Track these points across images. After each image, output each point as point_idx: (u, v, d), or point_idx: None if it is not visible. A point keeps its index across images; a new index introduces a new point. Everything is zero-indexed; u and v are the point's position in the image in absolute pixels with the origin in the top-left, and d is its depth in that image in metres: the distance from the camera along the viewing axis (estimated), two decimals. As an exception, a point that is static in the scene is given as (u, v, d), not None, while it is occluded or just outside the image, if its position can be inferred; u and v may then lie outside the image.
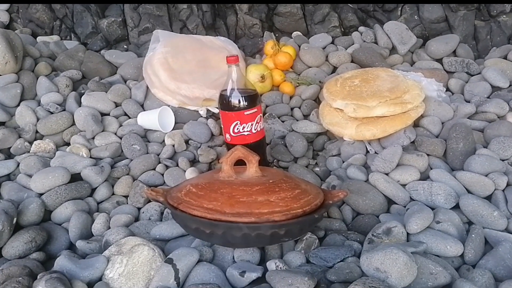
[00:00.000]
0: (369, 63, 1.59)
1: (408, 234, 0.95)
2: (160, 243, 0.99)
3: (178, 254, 0.87)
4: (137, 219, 1.11)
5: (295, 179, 0.96)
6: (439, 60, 1.65)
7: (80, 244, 0.97)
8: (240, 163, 0.94)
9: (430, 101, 1.35)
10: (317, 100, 1.52)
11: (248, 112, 1.14)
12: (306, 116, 1.47)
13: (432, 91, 1.42)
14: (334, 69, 1.65)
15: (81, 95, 1.48)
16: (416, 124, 1.31)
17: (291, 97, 1.52)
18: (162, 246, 0.98)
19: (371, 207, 1.08)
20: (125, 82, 1.59)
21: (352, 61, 1.64)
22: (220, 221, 0.82)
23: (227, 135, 1.18)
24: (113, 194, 1.19)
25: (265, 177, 0.93)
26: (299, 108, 1.49)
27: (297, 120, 1.44)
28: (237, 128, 1.15)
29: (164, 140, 1.35)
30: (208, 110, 1.44)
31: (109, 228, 1.04)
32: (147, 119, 1.37)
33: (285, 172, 1.03)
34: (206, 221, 0.83)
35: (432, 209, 1.00)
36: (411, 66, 1.67)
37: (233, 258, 0.92)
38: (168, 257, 0.87)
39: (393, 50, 1.72)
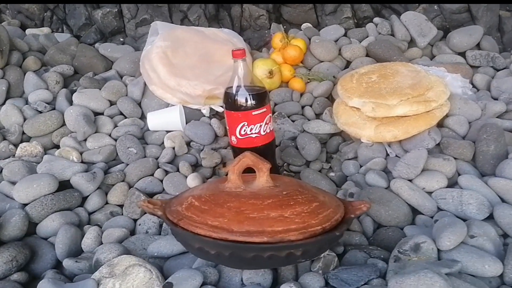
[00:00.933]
0: (386, 57, 1.48)
1: (438, 250, 0.85)
2: (158, 261, 0.89)
3: (179, 278, 0.77)
4: (132, 232, 1.01)
5: (311, 190, 0.86)
6: (462, 54, 1.54)
7: (67, 263, 0.87)
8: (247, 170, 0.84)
9: (455, 98, 1.24)
10: (330, 98, 1.41)
11: (256, 112, 1.04)
12: (318, 115, 1.37)
13: (456, 87, 1.31)
14: (348, 64, 1.55)
15: (72, 92, 1.38)
16: (439, 125, 1.20)
17: (301, 94, 1.42)
18: (161, 264, 0.89)
19: (395, 218, 0.98)
20: (121, 78, 1.49)
21: (367, 55, 1.54)
22: (227, 240, 0.72)
23: (233, 138, 1.07)
24: (106, 203, 1.09)
25: (278, 188, 0.82)
26: (311, 106, 1.39)
27: (309, 120, 1.34)
28: (244, 130, 1.05)
29: (163, 142, 1.25)
30: (211, 109, 1.33)
31: (101, 243, 0.94)
32: (164, 118, 1.27)
33: (299, 181, 0.92)
34: (211, 240, 0.73)
35: (463, 220, 0.90)
36: (431, 60, 1.56)
37: (242, 280, 0.82)
38: (167, 281, 0.77)
39: (411, 43, 1.61)
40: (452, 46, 1.55)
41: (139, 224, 1.01)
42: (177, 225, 0.77)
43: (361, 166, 1.17)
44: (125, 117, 1.34)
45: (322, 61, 1.52)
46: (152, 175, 1.14)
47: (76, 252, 0.94)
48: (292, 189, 0.83)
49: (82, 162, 1.17)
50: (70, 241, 0.93)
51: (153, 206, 0.83)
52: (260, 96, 1.05)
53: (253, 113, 1.04)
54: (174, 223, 0.78)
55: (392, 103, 1.16)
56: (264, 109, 1.05)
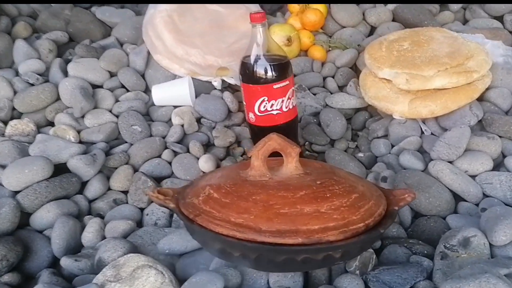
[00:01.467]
0: (416, 22, 1.35)
1: (490, 245, 0.75)
2: (170, 258, 0.79)
3: (196, 283, 0.67)
4: (139, 223, 0.90)
5: (347, 177, 0.75)
6: (499, 18, 1.41)
7: (65, 263, 0.77)
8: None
9: (496, 68, 1.12)
10: (354, 68, 1.29)
11: (278, 86, 0.93)
12: (341, 88, 1.25)
13: (497, 56, 1.19)
14: (372, 30, 1.41)
15: (67, 62, 1.25)
16: (479, 98, 1.09)
17: (322, 64, 1.30)
18: (174, 262, 0.79)
19: (436, 206, 0.87)
20: (121, 46, 1.36)
21: (393, 20, 1.40)
22: (255, 242, 0.62)
23: (251, 114, 0.96)
24: (109, 189, 0.98)
25: (309, 176, 0.71)
26: (333, 77, 1.26)
27: (332, 93, 1.22)
28: (264, 106, 0.94)
29: (170, 119, 1.13)
30: (223, 81, 1.21)
31: (104, 237, 0.84)
32: (171, 91, 1.16)
33: (332, 166, 0.81)
34: (235, 241, 0.62)
35: (513, 208, 0.80)
36: (463, 25, 1.43)
37: (268, 283, 0.72)
38: (183, 286, 0.67)
39: (442, 6, 1.47)
40: (488, 9, 1.42)
41: (147, 214, 0.91)
42: (194, 221, 0.66)
43: (392, 146, 1.06)
44: (128, 91, 1.21)
45: (344, 27, 1.38)
46: (160, 156, 1.04)
47: (75, 247, 0.84)
48: (326, 177, 0.72)
49: (80, 142, 1.06)
50: (69, 235, 0.82)
51: (164, 197, 0.73)
52: (283, 67, 0.94)
53: (275, 86, 0.93)
54: (190, 219, 0.67)
55: (429, 74, 1.05)
56: (287, 82, 0.94)
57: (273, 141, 0.71)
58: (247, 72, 0.94)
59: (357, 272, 0.73)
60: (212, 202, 0.67)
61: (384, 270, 0.72)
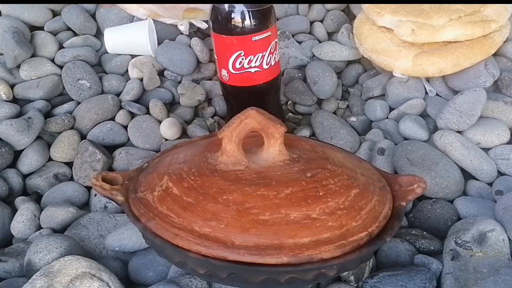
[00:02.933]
0: (421, -44, 1.18)
1: (510, 240, 0.66)
2: (121, 254, 0.66)
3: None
4: (86, 205, 0.76)
5: (344, 164, 0.61)
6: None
7: (-13, 265, 0.63)
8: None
9: (513, 17, 0.99)
10: (346, 11, 1.13)
11: (257, 37, 0.76)
12: (331, 35, 1.10)
13: (515, 1, 1.05)
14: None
15: (0, -4, 1.06)
16: (494, 53, 0.95)
17: (309, 6, 1.13)
18: (127, 258, 0.65)
19: (443, 188, 0.75)
20: (69, -25, 1.16)
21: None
22: (225, 260, 0.48)
23: (224, 72, 0.80)
24: (49, 159, 0.83)
25: (297, 164, 0.57)
26: (322, 22, 1.10)
27: (320, 42, 1.07)
28: (240, 62, 0.78)
29: (127, 71, 0.97)
30: (191, 25, 1.04)
31: (39, 227, 0.69)
32: (127, 37, 0.99)
33: (324, 146, 0.67)
34: (200, 258, 0.48)
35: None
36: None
37: (242, 296, 0.59)
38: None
39: None
40: None
41: (95, 195, 0.76)
42: (147, 228, 0.52)
43: (391, 109, 0.93)
44: (75, 34, 1.03)
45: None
46: (113, 119, 0.89)
47: (3, 239, 0.69)
48: (319, 166, 0.58)
49: (13, 99, 0.89)
50: (-7, 226, 0.68)
51: (110, 187, 0.58)
52: (264, 13, 0.77)
53: (253, 38, 0.76)
54: (143, 224, 0.53)
55: (439, 24, 0.90)
56: (269, 32, 0.78)
57: (251, 119, 0.56)
58: (219, 18, 0.77)
59: (351, 278, 0.61)
60: (171, 201, 0.53)
61: (384, 278, 0.61)
